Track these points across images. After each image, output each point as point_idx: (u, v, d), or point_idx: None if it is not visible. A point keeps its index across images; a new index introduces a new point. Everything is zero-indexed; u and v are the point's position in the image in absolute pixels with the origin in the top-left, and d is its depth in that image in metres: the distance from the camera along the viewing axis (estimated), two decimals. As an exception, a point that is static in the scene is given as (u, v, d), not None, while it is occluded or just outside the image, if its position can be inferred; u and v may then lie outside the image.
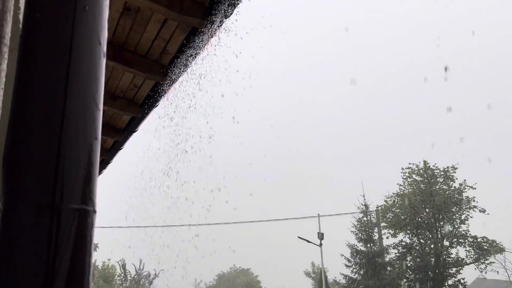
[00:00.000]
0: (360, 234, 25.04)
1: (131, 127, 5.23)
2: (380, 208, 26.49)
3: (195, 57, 3.92)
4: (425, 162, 26.53)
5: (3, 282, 0.58)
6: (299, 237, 23.94)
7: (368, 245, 24.92)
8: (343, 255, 24.95)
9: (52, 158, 0.57)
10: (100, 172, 7.02)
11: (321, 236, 23.50)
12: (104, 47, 0.77)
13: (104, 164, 6.57)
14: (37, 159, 0.57)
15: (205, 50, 3.86)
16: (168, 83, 4.25)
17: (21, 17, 0.84)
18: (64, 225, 0.56)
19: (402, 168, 26.97)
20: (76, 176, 0.59)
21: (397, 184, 26.98)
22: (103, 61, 0.68)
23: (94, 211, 0.62)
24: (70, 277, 0.56)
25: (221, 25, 3.41)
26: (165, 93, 4.51)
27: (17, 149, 0.58)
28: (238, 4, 3.00)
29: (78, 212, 0.58)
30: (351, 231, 25.27)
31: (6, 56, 0.74)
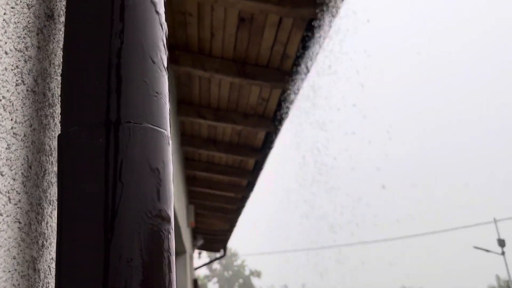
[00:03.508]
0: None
1: (268, 144, 5.23)
2: None
3: (316, 55, 3.72)
4: None
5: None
6: (475, 247, 21.16)
7: None
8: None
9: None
10: (248, 197, 7.19)
11: (502, 243, 20.37)
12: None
13: (250, 186, 6.71)
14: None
15: (326, 44, 3.64)
16: (294, 90, 4.12)
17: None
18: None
19: None
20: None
21: None
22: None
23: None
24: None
25: (337, 13, 3.16)
26: (293, 101, 4.39)
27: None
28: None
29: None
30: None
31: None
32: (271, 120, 4.72)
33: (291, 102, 4.32)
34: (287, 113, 4.57)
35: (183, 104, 4.63)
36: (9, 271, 0.51)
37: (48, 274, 0.64)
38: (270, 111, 4.59)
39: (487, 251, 20.86)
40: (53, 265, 0.66)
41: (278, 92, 4.18)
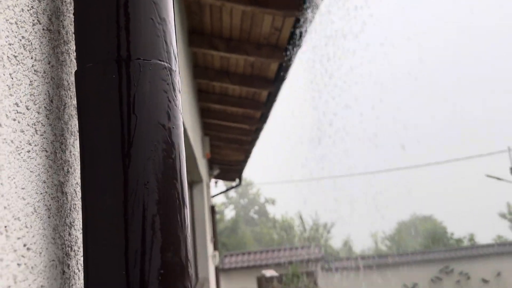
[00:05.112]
0: None
1: (281, 75, 5.19)
2: None
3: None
4: None
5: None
6: (487, 176, 21.38)
7: None
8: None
9: None
10: (262, 128, 7.29)
11: (514, 172, 20.47)
12: None
13: (264, 118, 6.78)
14: None
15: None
16: (307, 18, 4.01)
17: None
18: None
19: None
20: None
21: None
22: None
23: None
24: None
25: None
26: (307, 30, 4.29)
27: None
28: None
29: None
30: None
31: None
32: (284, 51, 4.65)
33: (305, 31, 4.23)
34: (300, 42, 4.49)
35: (195, 34, 4.57)
36: (41, 193, 0.59)
37: (74, 197, 0.72)
38: (283, 41, 4.51)
39: (499, 179, 21.07)
40: (78, 189, 0.74)
41: (291, 20, 4.08)
